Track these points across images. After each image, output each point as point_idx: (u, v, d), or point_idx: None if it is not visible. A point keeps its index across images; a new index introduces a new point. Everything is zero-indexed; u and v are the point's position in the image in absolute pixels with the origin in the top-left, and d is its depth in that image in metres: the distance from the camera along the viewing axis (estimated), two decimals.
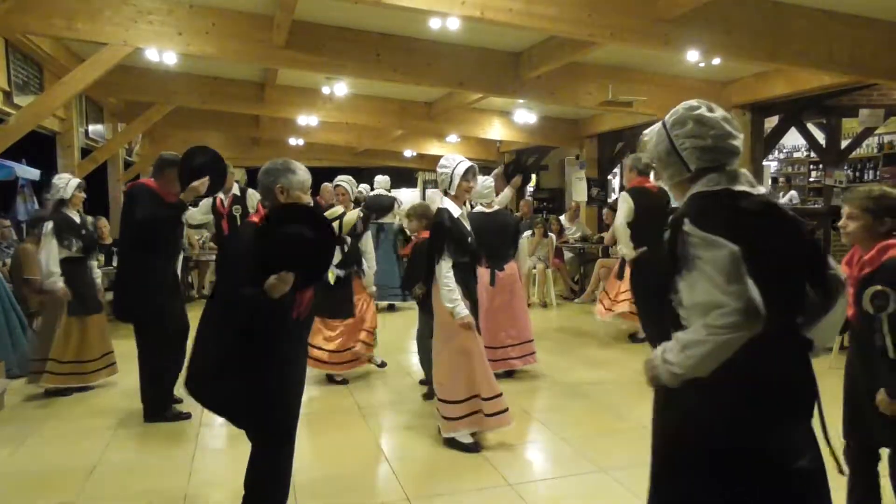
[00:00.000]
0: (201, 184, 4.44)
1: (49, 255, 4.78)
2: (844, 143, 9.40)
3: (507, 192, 6.37)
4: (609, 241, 7.32)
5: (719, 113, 1.80)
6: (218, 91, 8.82)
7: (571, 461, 3.84)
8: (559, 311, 9.10)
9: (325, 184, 6.92)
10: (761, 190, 1.78)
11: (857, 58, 5.61)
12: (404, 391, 5.25)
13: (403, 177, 18.60)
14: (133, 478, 3.66)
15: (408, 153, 14.16)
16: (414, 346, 5.38)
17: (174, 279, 4.67)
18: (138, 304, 4.42)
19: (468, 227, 3.97)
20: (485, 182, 5.19)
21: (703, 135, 1.76)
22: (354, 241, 5.32)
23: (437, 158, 4.20)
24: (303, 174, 2.75)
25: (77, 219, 4.99)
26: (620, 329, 7.12)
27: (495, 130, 10.76)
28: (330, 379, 5.45)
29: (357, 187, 5.95)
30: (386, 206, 8.86)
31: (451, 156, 3.98)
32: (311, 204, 2.85)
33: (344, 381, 5.43)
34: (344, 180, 5.71)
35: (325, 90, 8.10)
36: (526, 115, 9.43)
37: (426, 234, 4.64)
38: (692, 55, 5.67)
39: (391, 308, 8.73)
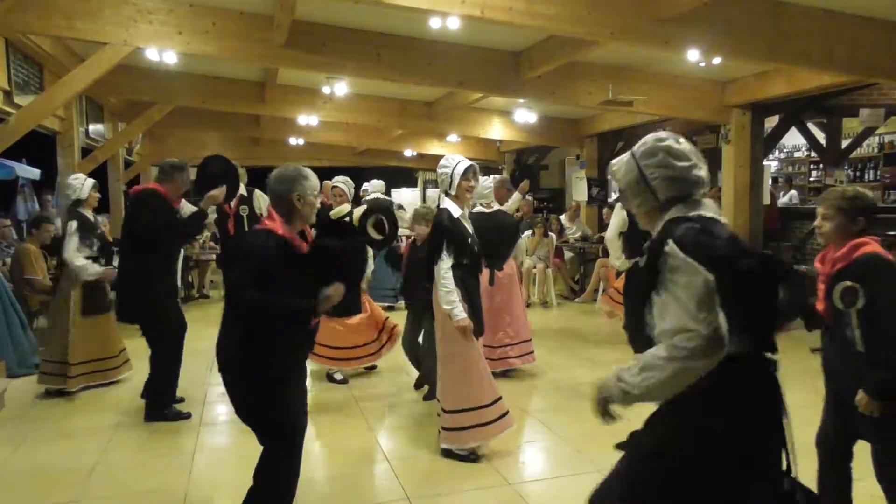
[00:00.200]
0: (220, 192, 4.58)
1: (71, 251, 4.82)
2: (845, 143, 9.41)
3: (516, 197, 6.39)
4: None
5: (686, 145, 1.88)
6: (218, 90, 8.81)
7: (571, 461, 3.84)
8: (559, 310, 9.10)
9: (325, 181, 6.92)
10: (724, 219, 1.87)
11: (858, 57, 5.61)
12: (404, 391, 5.26)
13: (404, 177, 18.60)
14: (133, 477, 3.66)
15: (408, 153, 14.15)
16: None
17: (174, 279, 4.71)
18: (147, 305, 4.47)
19: (470, 229, 3.89)
20: (484, 183, 5.18)
21: (672, 166, 1.83)
22: None
23: (438, 158, 4.17)
24: (314, 179, 2.82)
25: (91, 219, 5.04)
26: (621, 329, 7.11)
27: (495, 130, 10.75)
28: (330, 378, 5.45)
29: (352, 187, 5.93)
30: (384, 208, 8.83)
31: (452, 156, 3.95)
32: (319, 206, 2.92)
33: (344, 381, 5.43)
34: (341, 181, 5.71)
35: (326, 90, 8.09)
36: (526, 115, 9.43)
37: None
38: (692, 55, 5.66)
39: (390, 310, 8.73)
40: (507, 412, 3.88)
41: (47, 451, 4.04)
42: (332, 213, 5.41)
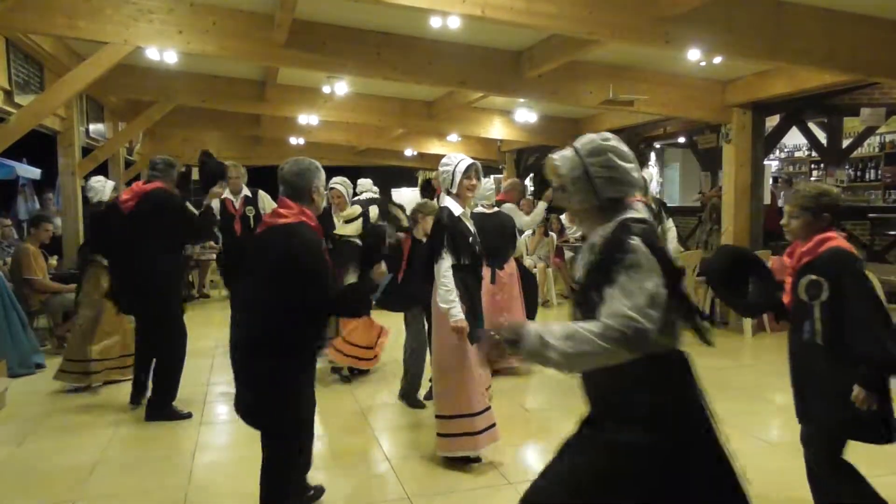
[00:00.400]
0: (221, 187, 4.75)
1: None
2: (846, 143, 9.40)
3: (541, 208, 6.42)
4: None
5: (626, 147, 1.95)
6: (218, 90, 8.81)
7: None
8: (560, 310, 9.10)
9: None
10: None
11: (859, 56, 5.60)
12: None
13: (404, 176, 18.60)
14: (134, 476, 3.66)
15: (408, 152, 14.15)
16: None
17: None
18: (173, 303, 4.62)
19: (471, 228, 3.84)
20: (486, 184, 5.18)
21: (617, 166, 1.89)
22: None
23: (438, 157, 4.15)
24: (323, 173, 2.95)
25: None
26: None
27: (496, 129, 10.75)
28: (335, 371, 5.49)
29: (350, 188, 5.94)
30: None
31: (453, 154, 3.91)
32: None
33: (347, 379, 5.46)
34: (339, 182, 5.71)
35: (326, 89, 8.08)
36: (527, 115, 9.42)
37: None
38: (693, 54, 5.66)
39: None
40: (495, 424, 3.78)
41: (48, 451, 4.04)
42: (343, 213, 5.41)
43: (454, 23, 5.25)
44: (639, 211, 1.91)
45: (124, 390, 5.09)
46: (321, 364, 5.37)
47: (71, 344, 5.29)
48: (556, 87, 7.37)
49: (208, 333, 6.86)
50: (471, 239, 3.78)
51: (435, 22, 5.43)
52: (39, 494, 3.45)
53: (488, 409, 3.77)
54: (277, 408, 2.73)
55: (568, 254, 10.53)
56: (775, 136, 8.58)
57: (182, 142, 12.91)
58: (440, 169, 3.88)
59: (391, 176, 14.27)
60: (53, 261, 7.27)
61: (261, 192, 6.10)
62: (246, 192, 5.97)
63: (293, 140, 13.07)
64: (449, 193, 3.84)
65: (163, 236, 4.48)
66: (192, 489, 3.49)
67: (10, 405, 4.85)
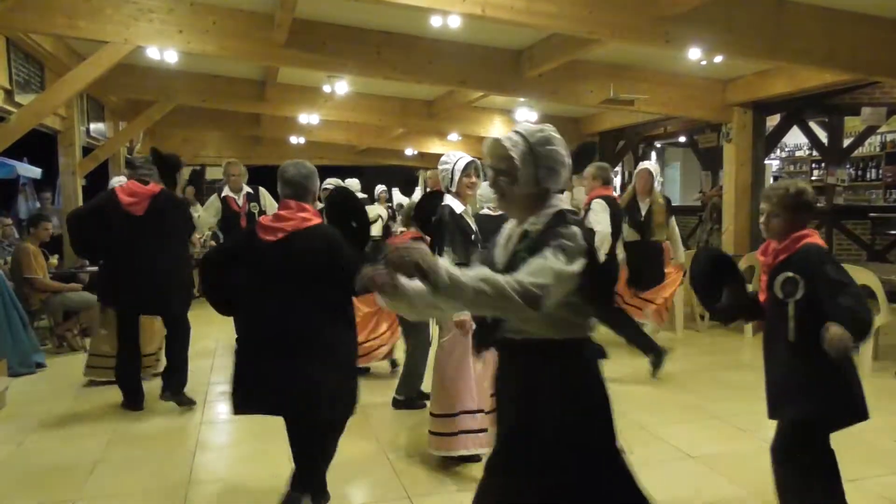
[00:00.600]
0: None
1: None
2: (847, 142, 9.39)
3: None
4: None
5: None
6: (219, 89, 8.82)
7: None
8: None
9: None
10: None
11: (860, 55, 5.60)
12: None
13: (405, 175, 18.59)
14: (134, 475, 3.66)
15: (409, 151, 14.16)
16: None
17: None
18: (190, 295, 5.01)
19: (473, 226, 3.81)
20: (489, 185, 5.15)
21: (559, 158, 1.95)
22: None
23: (439, 157, 4.15)
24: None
25: None
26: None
27: (496, 129, 10.74)
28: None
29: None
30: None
31: (452, 153, 3.91)
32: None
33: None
34: (332, 183, 5.73)
35: (326, 88, 8.09)
36: (527, 114, 9.41)
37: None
38: (694, 53, 5.66)
39: None
40: (486, 429, 3.69)
41: (48, 450, 4.05)
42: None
43: (454, 22, 5.25)
44: (565, 203, 1.98)
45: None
46: None
47: (97, 339, 5.36)
48: (556, 86, 7.37)
49: (209, 333, 6.85)
50: (473, 236, 3.77)
51: (435, 21, 5.43)
52: (39, 494, 3.45)
53: (481, 410, 3.70)
54: (354, 397, 2.96)
55: None
56: (776, 135, 8.58)
57: (182, 141, 12.91)
58: (439, 167, 3.88)
59: (391, 175, 14.25)
60: (54, 260, 7.27)
61: (262, 190, 6.13)
62: (247, 189, 6.01)
63: (293, 140, 13.07)
64: (448, 192, 3.83)
65: (176, 235, 4.78)
66: (192, 489, 3.49)
67: (10, 404, 4.86)
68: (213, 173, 14.54)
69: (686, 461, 3.65)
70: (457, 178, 3.76)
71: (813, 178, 11.52)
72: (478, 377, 3.77)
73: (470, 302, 1.70)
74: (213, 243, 10.60)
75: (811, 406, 2.45)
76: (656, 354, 5.22)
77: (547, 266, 1.74)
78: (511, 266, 1.84)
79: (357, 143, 13.34)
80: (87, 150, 8.75)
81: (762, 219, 2.62)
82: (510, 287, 1.68)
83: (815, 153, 10.70)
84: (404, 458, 3.91)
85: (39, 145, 9.12)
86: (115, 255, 4.67)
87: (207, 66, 8.14)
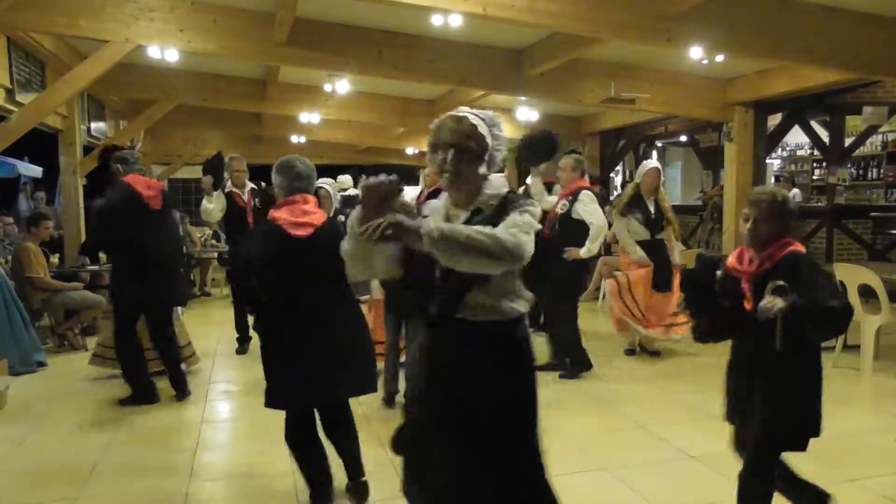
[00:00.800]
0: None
1: None
2: (848, 141, 9.38)
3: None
4: (611, 238, 7.24)
5: None
6: (219, 88, 8.82)
7: (572, 459, 3.83)
8: None
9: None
10: None
11: (861, 55, 5.59)
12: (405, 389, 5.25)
13: (405, 174, 18.62)
14: (134, 475, 3.66)
15: (410, 151, 14.15)
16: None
17: None
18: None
19: None
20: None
21: (503, 144, 2.05)
22: None
23: None
24: None
25: None
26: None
27: None
28: None
29: (337, 189, 5.97)
30: None
31: None
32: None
33: None
34: (326, 183, 5.72)
35: (327, 87, 8.09)
36: (528, 113, 9.41)
37: None
38: (695, 52, 5.65)
39: None
40: None
41: (48, 449, 4.05)
42: None
43: (455, 21, 5.25)
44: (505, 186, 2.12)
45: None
46: None
47: (107, 329, 5.35)
48: (557, 85, 7.37)
49: (209, 332, 6.86)
50: None
51: (436, 20, 5.43)
52: (41, 493, 3.45)
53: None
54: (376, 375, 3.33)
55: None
56: (777, 134, 8.58)
57: (183, 141, 12.92)
58: None
59: (391, 174, 14.25)
60: (55, 259, 7.27)
61: (265, 186, 6.14)
62: (250, 185, 6.05)
63: (294, 138, 13.07)
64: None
65: (176, 229, 4.98)
66: (193, 488, 3.49)
67: (10, 403, 4.86)
68: None
69: (686, 461, 3.65)
70: None
71: (814, 177, 11.52)
72: None
73: (462, 249, 1.74)
74: (213, 242, 10.63)
75: (786, 418, 2.44)
76: (565, 362, 5.38)
77: (523, 222, 1.85)
78: None
79: (358, 142, 13.33)
80: (87, 150, 8.75)
81: (748, 224, 2.58)
82: (500, 235, 1.76)
83: (816, 152, 10.69)
84: None
85: (40, 144, 9.13)
86: (138, 249, 4.45)
87: (208, 65, 8.14)
